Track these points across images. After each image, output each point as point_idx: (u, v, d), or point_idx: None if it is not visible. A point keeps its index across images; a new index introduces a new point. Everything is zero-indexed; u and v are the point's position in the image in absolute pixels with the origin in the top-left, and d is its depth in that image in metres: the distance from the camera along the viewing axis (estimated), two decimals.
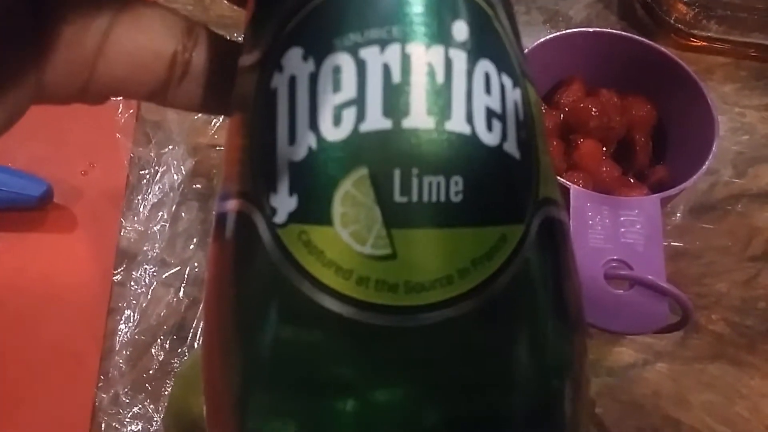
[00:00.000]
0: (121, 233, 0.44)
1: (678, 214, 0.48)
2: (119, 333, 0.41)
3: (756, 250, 0.47)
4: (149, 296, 0.42)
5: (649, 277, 0.35)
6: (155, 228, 0.44)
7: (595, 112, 0.41)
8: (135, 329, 0.41)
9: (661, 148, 0.44)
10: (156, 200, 0.45)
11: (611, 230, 0.36)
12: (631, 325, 0.35)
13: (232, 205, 0.16)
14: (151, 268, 0.43)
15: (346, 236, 0.14)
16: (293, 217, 0.14)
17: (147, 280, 0.42)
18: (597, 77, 0.44)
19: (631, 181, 0.42)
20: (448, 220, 0.14)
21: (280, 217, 0.14)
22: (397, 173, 0.14)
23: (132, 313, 0.41)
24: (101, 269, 0.43)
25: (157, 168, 0.46)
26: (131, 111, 0.49)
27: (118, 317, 0.41)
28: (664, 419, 0.41)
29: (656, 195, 0.38)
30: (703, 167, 0.39)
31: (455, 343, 0.14)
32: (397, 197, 0.14)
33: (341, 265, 0.14)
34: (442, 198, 0.14)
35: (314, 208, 0.14)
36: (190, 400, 0.34)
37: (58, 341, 0.41)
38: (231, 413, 0.15)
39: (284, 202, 0.14)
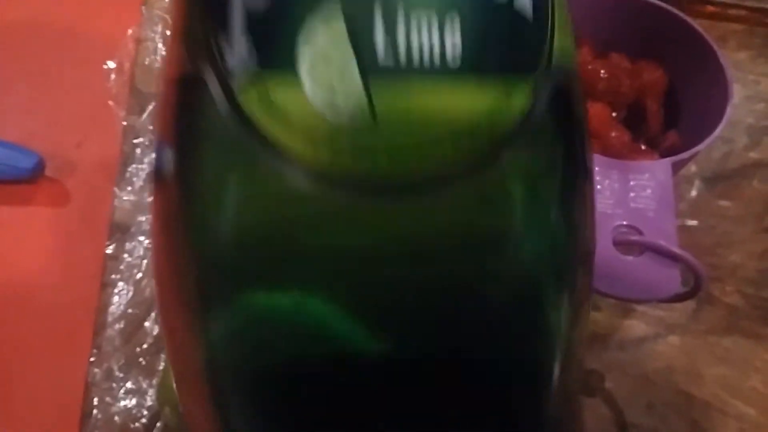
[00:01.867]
0: (115, 205, 0.43)
1: (694, 192, 0.46)
2: (112, 307, 0.40)
3: None
4: (143, 269, 0.41)
5: (661, 242, 0.33)
6: (149, 199, 0.43)
7: (603, 75, 0.39)
8: (128, 303, 0.40)
9: (673, 115, 0.42)
10: (150, 170, 0.44)
11: (621, 195, 0.35)
12: (641, 291, 0.33)
13: (178, 68, 0.13)
14: (145, 240, 0.42)
15: (315, 92, 0.11)
16: (251, 72, 0.12)
17: (141, 252, 0.41)
18: (607, 41, 0.43)
19: (642, 147, 0.41)
20: (440, 69, 0.11)
21: (235, 73, 0.12)
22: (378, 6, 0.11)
23: (125, 286, 0.40)
24: (94, 242, 0.42)
25: (151, 138, 0.45)
26: (124, 79, 0.47)
27: (111, 290, 0.40)
28: (676, 394, 0.39)
29: (667, 159, 0.36)
30: (716, 131, 0.37)
31: (443, 223, 0.12)
32: (379, 40, 0.11)
33: (310, 130, 0.11)
34: (434, 41, 0.11)
35: (276, 58, 0.12)
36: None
37: (49, 315, 0.40)
38: (187, 306, 0.13)
39: (240, 54, 0.12)
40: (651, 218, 0.34)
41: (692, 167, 0.47)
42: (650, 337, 0.41)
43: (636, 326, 0.41)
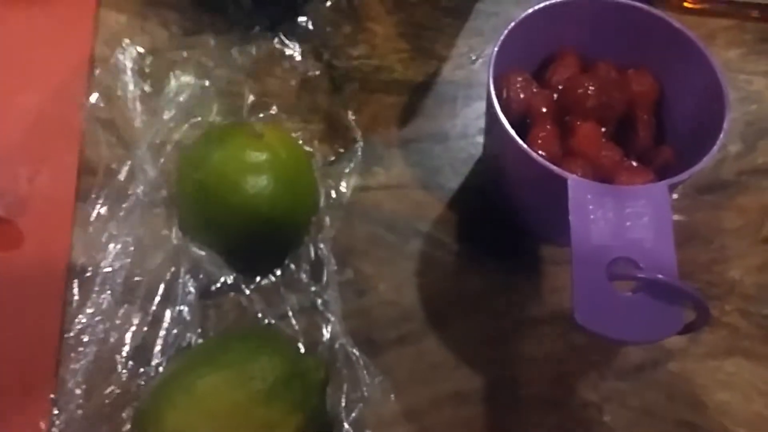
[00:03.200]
0: (74, 248, 0.40)
1: (687, 203, 0.44)
2: (73, 365, 0.37)
3: None
4: (105, 319, 0.38)
5: (660, 276, 0.31)
6: (110, 242, 0.40)
7: (591, 90, 0.37)
8: (91, 364, 0.37)
9: (665, 126, 0.40)
10: (111, 208, 0.41)
11: (616, 225, 0.32)
12: (642, 332, 0.31)
13: None
14: (106, 287, 0.39)
15: None
16: None
17: (102, 300, 0.38)
18: (592, 49, 0.40)
19: (634, 164, 0.38)
20: None
21: None
22: None
23: (85, 338, 0.37)
24: (52, 288, 0.39)
25: (113, 170, 0.42)
26: (78, 109, 0.44)
27: (71, 343, 0.37)
28: (677, 424, 0.37)
29: (664, 182, 0.34)
30: (715, 147, 0.35)
31: None
32: None
33: None
34: None
35: None
36: None
37: (5, 371, 0.37)
38: None
39: None
40: (649, 249, 0.32)
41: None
42: (648, 365, 0.39)
43: (633, 353, 0.39)
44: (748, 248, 0.42)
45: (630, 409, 0.38)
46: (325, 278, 0.40)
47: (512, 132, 0.34)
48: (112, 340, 0.38)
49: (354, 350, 0.36)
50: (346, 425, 0.34)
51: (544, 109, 0.38)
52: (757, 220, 0.43)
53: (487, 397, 0.38)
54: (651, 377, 0.39)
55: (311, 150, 0.44)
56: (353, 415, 0.34)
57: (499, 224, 0.43)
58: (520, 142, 0.34)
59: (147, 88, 0.45)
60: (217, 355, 0.32)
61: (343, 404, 0.34)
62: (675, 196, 0.44)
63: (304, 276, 0.40)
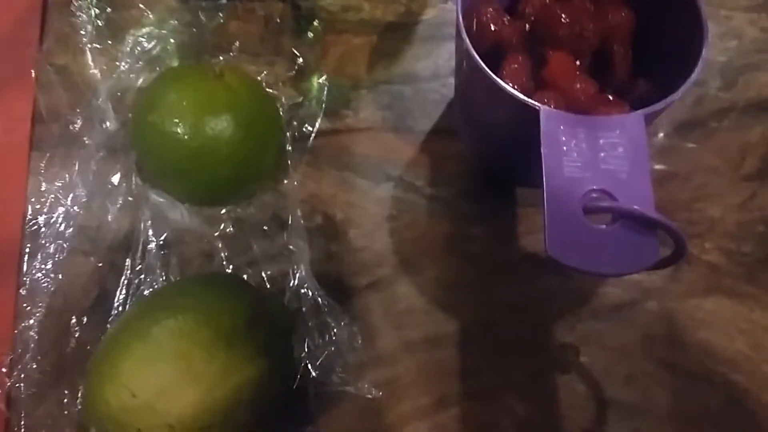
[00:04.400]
0: (29, 200, 0.38)
1: (661, 134, 0.43)
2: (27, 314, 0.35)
3: (750, 168, 0.42)
4: (62, 270, 0.36)
5: (636, 207, 0.30)
6: (67, 192, 0.38)
7: (564, 19, 0.35)
8: (47, 310, 0.35)
9: (642, 59, 0.38)
10: (68, 159, 0.39)
11: (589, 156, 0.31)
12: (617, 264, 0.30)
13: None
14: (64, 238, 0.37)
15: None
16: None
17: (59, 252, 0.37)
18: None
19: (610, 98, 0.36)
20: None
21: None
22: None
23: (41, 292, 0.36)
24: (7, 245, 0.37)
25: (68, 119, 0.40)
26: (33, 55, 0.42)
27: (27, 296, 0.36)
28: (657, 364, 0.36)
29: (639, 111, 0.32)
30: (692, 76, 0.33)
31: None
32: None
33: None
34: None
35: None
36: (106, 391, 0.29)
37: None
38: None
39: None
40: (624, 180, 0.30)
41: (663, 118, 0.43)
42: (626, 304, 0.38)
43: (611, 293, 0.38)
44: (728, 186, 0.41)
45: (608, 349, 0.37)
46: (292, 224, 0.38)
47: (481, 63, 0.33)
48: (68, 292, 0.36)
49: (321, 296, 0.35)
50: (312, 371, 0.33)
51: (515, 40, 0.36)
52: (737, 158, 0.42)
53: (461, 341, 0.37)
54: (629, 317, 0.38)
55: (276, 93, 0.42)
56: (320, 360, 0.33)
57: (471, 167, 0.41)
58: (490, 73, 0.33)
59: (104, 34, 0.43)
60: (175, 299, 0.31)
61: (309, 350, 0.33)
62: (660, 135, 0.43)
63: (270, 223, 0.39)
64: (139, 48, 0.42)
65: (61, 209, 0.38)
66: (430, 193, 0.40)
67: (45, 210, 0.38)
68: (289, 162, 0.40)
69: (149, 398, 0.28)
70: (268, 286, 0.37)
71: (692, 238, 0.39)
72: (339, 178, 0.41)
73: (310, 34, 0.44)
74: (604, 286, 0.38)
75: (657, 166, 0.41)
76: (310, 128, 0.41)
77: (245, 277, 0.37)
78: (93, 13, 0.43)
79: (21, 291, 0.36)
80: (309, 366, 0.33)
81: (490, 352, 0.37)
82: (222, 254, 0.37)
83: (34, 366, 0.34)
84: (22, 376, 0.34)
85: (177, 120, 0.36)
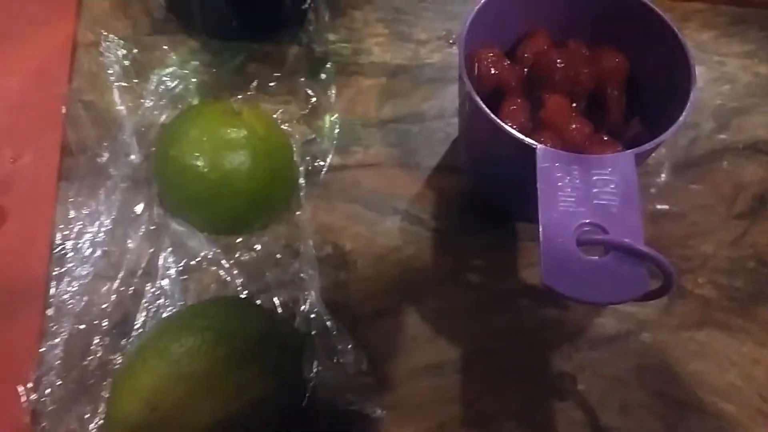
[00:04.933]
0: (56, 226, 0.41)
1: (663, 175, 0.45)
2: (53, 334, 0.37)
3: (742, 207, 0.44)
4: (86, 294, 0.38)
5: (626, 240, 0.32)
6: (92, 220, 0.41)
7: (560, 64, 0.38)
8: (71, 331, 0.37)
9: (635, 103, 0.41)
10: (94, 189, 0.41)
11: (583, 192, 0.33)
12: (608, 294, 0.31)
13: None
14: (88, 263, 0.39)
15: None
16: None
17: (83, 276, 0.39)
18: (564, 29, 0.41)
19: (605, 138, 0.39)
20: None
21: None
22: None
23: (66, 313, 0.38)
24: (34, 268, 0.39)
25: (94, 153, 0.42)
26: (63, 91, 0.45)
27: (53, 317, 0.38)
28: (651, 394, 0.38)
29: (630, 151, 0.34)
30: (681, 119, 0.35)
31: None
32: None
33: None
34: None
35: None
36: (127, 405, 0.30)
37: None
38: None
39: None
40: (615, 214, 0.32)
41: (662, 151, 0.45)
42: (622, 335, 0.39)
43: (607, 324, 0.40)
44: (721, 224, 0.43)
45: (603, 378, 0.38)
46: (304, 254, 0.40)
47: (481, 104, 0.35)
48: (92, 314, 0.38)
49: (330, 320, 0.37)
50: (321, 391, 0.34)
51: (514, 83, 0.38)
52: (730, 197, 0.44)
53: (463, 368, 0.38)
54: (624, 347, 0.39)
55: (290, 129, 0.44)
56: (328, 381, 0.34)
57: (474, 202, 0.43)
58: (490, 113, 0.35)
59: (130, 74, 0.46)
60: (193, 321, 0.33)
61: (318, 371, 0.35)
62: (662, 176, 0.45)
63: (283, 252, 0.41)
64: (162, 86, 0.45)
65: (87, 236, 0.40)
66: (435, 226, 0.43)
67: (72, 236, 0.40)
68: (301, 195, 0.42)
69: (168, 412, 0.30)
70: (280, 311, 0.38)
71: (686, 273, 0.41)
72: (348, 211, 0.43)
73: (323, 76, 0.47)
74: (600, 317, 0.40)
75: (658, 207, 0.43)
76: (322, 163, 0.44)
77: (258, 302, 0.39)
78: (120, 54, 0.46)
79: (47, 312, 0.38)
80: (317, 386, 0.34)
81: (490, 380, 0.38)
82: (237, 280, 0.39)
83: (59, 383, 0.36)
84: (47, 391, 0.35)
85: (197, 154, 0.38)
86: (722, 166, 0.45)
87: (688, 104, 0.36)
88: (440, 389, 0.38)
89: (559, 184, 0.33)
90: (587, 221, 0.33)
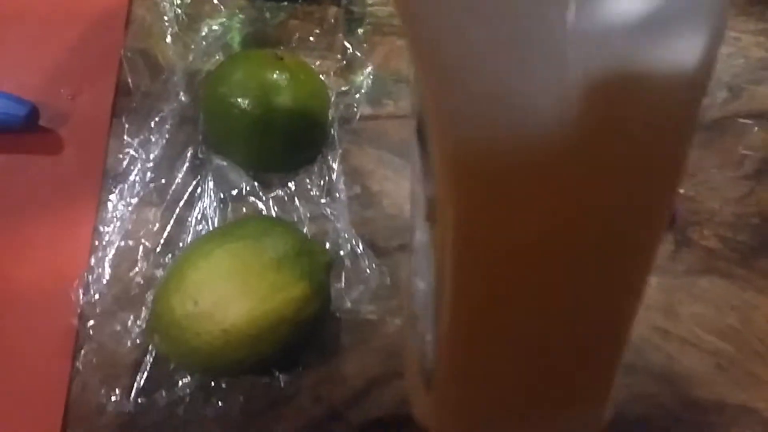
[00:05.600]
0: (109, 156, 0.44)
1: None
2: (103, 248, 0.41)
3: (749, 169, 0.46)
4: (134, 216, 0.42)
5: None
6: (142, 152, 0.44)
7: None
8: (119, 246, 0.41)
9: None
10: (145, 124, 0.45)
11: None
12: None
13: None
14: (137, 189, 0.43)
15: None
16: None
17: (132, 200, 0.42)
18: None
19: None
20: None
21: None
22: None
23: (115, 231, 0.41)
24: (88, 190, 0.43)
25: (147, 93, 0.46)
26: (118, 36, 0.49)
27: (103, 234, 0.41)
28: (652, 329, 0.40)
29: None
30: None
31: None
32: None
33: None
34: None
35: None
36: (173, 300, 0.34)
37: (41, 260, 0.41)
38: None
39: None
40: None
41: None
42: None
43: None
44: (728, 183, 0.46)
45: None
46: (335, 192, 0.44)
47: None
48: (139, 233, 0.42)
49: (357, 243, 0.40)
50: (348, 302, 0.37)
51: None
52: (738, 159, 0.47)
53: None
54: None
55: (327, 81, 0.48)
56: (353, 294, 0.38)
57: None
58: None
59: (182, 23, 0.50)
60: (233, 230, 0.36)
61: (344, 285, 0.38)
62: None
63: (316, 190, 0.44)
64: (211, 37, 0.49)
65: (137, 164, 0.44)
66: None
67: (123, 164, 0.44)
68: (335, 139, 0.45)
69: (209, 307, 0.33)
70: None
71: (692, 224, 0.44)
72: (377, 156, 0.46)
73: (360, 32, 0.50)
74: None
75: None
76: (355, 111, 0.47)
77: None
78: (173, 5, 0.50)
79: (100, 227, 0.41)
80: (343, 297, 0.37)
81: None
82: (272, 212, 0.43)
83: (106, 291, 0.39)
84: (95, 297, 0.39)
85: (242, 92, 0.41)
86: (732, 131, 0.48)
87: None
88: None
89: None
90: None
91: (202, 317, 0.33)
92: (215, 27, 0.49)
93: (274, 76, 0.42)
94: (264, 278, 0.34)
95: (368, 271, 0.39)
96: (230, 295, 0.33)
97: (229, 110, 0.42)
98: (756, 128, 0.48)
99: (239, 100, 0.41)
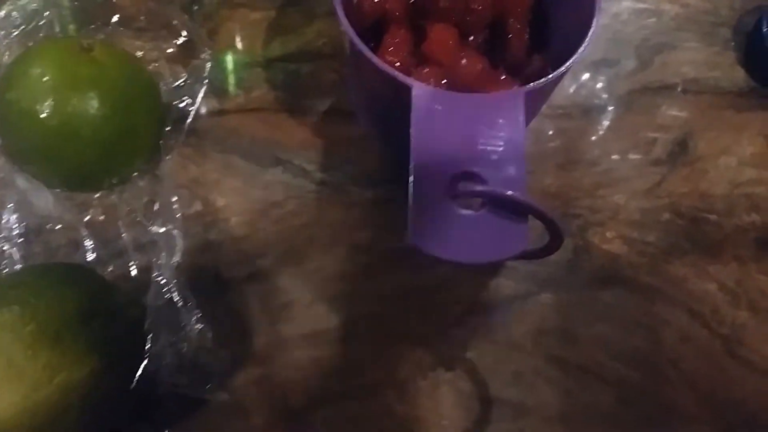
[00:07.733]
0: None
1: (574, 119, 0.41)
2: None
3: (660, 152, 0.40)
4: None
5: (508, 192, 0.27)
6: None
7: None
8: None
9: (541, 37, 0.36)
10: None
11: (464, 136, 0.29)
12: (481, 251, 0.28)
13: None
14: None
15: None
16: None
17: None
18: None
19: (502, 77, 0.34)
20: None
21: None
22: None
23: None
24: None
25: None
26: None
27: None
28: (547, 360, 0.34)
29: (518, 89, 0.30)
30: (577, 53, 0.31)
31: None
32: None
33: None
34: None
35: None
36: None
37: None
38: None
39: None
40: (497, 162, 0.28)
41: (575, 92, 0.41)
42: (520, 297, 0.36)
43: (503, 285, 0.36)
44: (635, 171, 0.39)
45: (497, 344, 0.35)
46: (168, 212, 0.36)
47: (353, 35, 0.30)
48: None
49: (177, 290, 0.32)
50: (165, 372, 0.30)
51: (399, 13, 0.34)
52: (648, 142, 0.40)
53: (343, 337, 0.34)
54: (522, 309, 0.35)
55: (160, 70, 0.39)
56: (167, 359, 0.30)
57: (367, 151, 0.39)
58: (362, 46, 0.30)
59: None
60: (5, 291, 0.28)
61: (161, 348, 0.30)
62: (574, 121, 0.40)
63: (144, 209, 0.36)
64: (11, 20, 0.39)
65: None
66: (321, 178, 0.38)
67: None
68: (169, 143, 0.37)
69: None
70: (135, 275, 0.34)
71: (593, 226, 0.37)
72: (223, 162, 0.38)
73: (203, 8, 0.41)
74: (499, 277, 0.36)
75: (562, 152, 0.39)
76: (194, 108, 0.39)
77: (111, 268, 0.34)
78: None
79: None
80: (160, 368, 0.30)
81: (374, 348, 0.34)
82: (89, 243, 0.35)
83: None
84: None
85: (36, 97, 0.33)
86: (641, 108, 0.41)
87: (588, 37, 0.31)
88: (316, 360, 0.34)
89: (438, 128, 0.29)
90: (466, 170, 0.28)
91: None
92: (17, 9, 0.39)
93: (77, 73, 0.34)
94: (36, 356, 0.26)
95: (187, 328, 0.31)
96: None
97: (22, 120, 0.33)
98: (667, 104, 0.41)
99: (32, 107, 0.33)
